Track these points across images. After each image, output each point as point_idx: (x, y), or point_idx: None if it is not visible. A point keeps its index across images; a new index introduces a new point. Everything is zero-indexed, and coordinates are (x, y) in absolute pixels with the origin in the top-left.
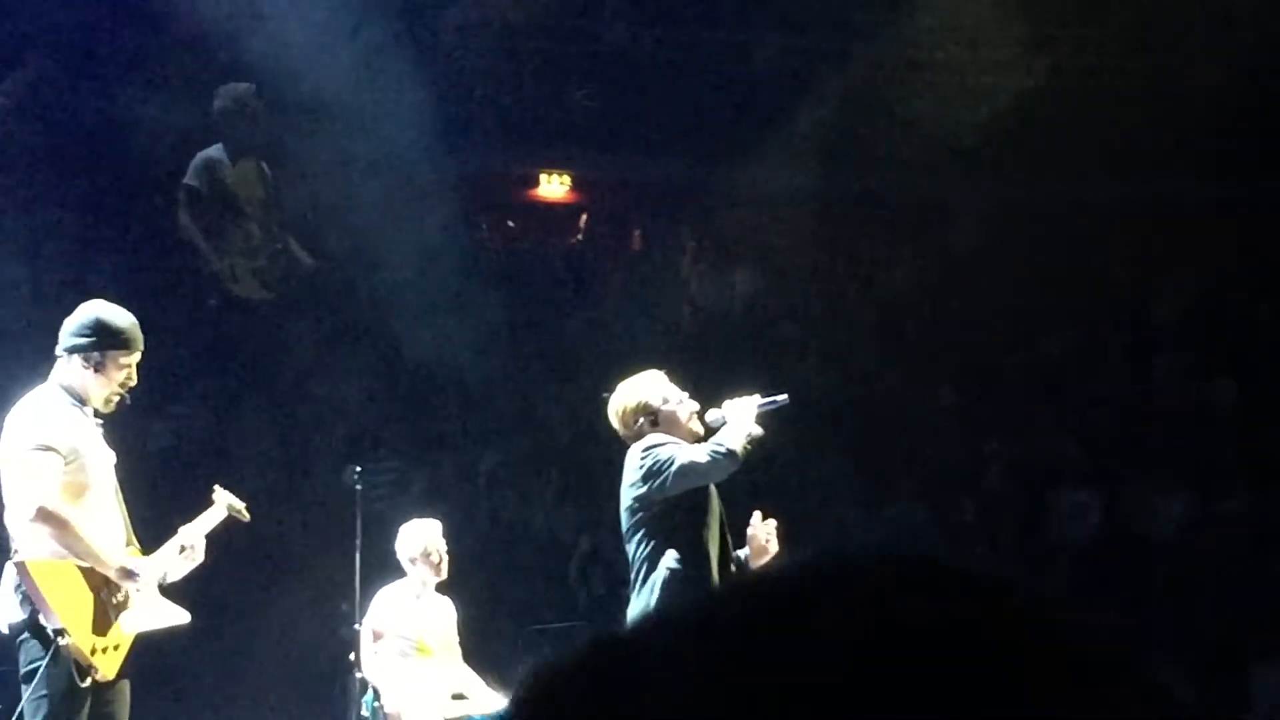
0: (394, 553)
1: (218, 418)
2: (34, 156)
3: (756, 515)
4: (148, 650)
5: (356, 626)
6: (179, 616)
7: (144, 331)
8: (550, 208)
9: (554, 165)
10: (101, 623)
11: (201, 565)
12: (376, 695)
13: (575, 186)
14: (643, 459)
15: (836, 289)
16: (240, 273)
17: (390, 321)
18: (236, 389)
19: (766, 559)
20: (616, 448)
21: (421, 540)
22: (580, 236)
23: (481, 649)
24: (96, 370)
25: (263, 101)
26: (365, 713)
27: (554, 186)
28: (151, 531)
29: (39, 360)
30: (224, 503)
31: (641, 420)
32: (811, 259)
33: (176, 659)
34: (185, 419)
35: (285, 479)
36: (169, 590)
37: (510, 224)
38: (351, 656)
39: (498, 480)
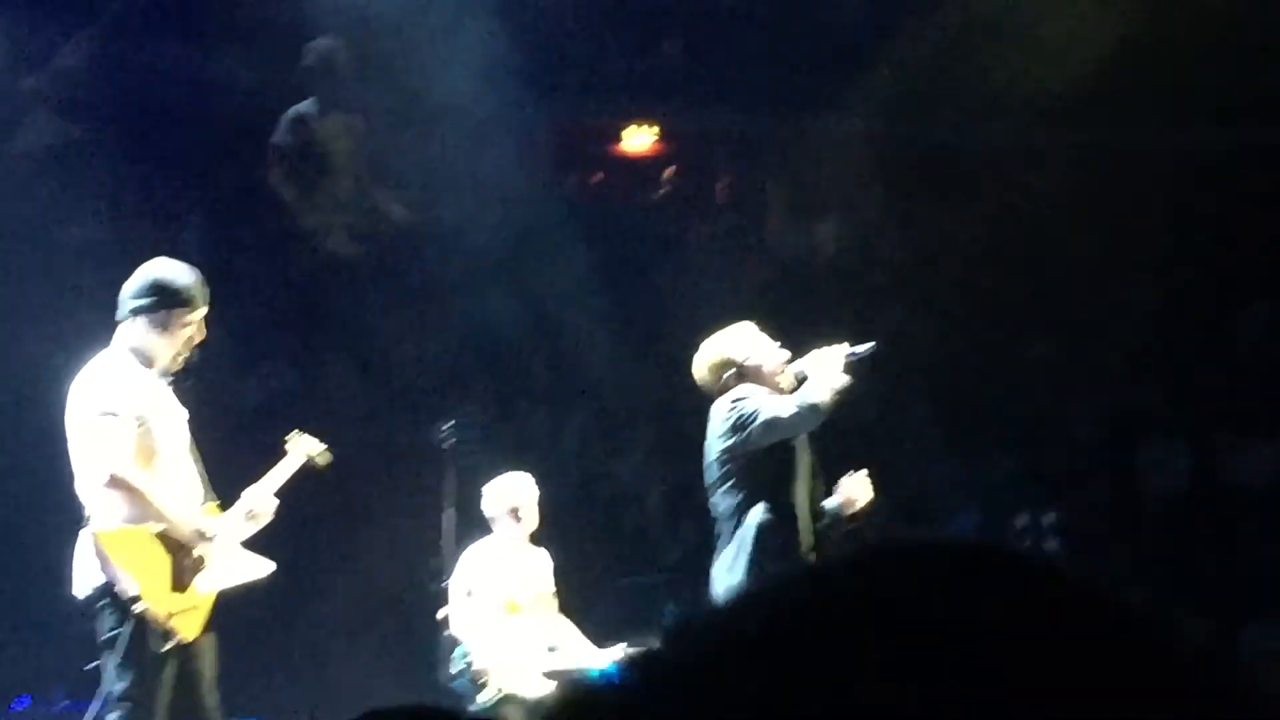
0: (482, 509)
1: (307, 374)
2: (122, 114)
3: (848, 478)
4: (239, 605)
5: (446, 583)
6: (262, 568)
7: (235, 290)
8: (636, 160)
9: (639, 118)
10: (179, 585)
11: (291, 523)
12: (467, 652)
13: (661, 139)
14: (729, 412)
15: (922, 239)
16: (331, 229)
17: (477, 276)
18: (326, 345)
19: (858, 508)
20: (704, 400)
21: (511, 495)
22: (666, 189)
23: (574, 602)
24: (162, 330)
25: (351, 57)
26: (455, 670)
27: (639, 139)
28: (241, 489)
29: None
30: (300, 450)
31: (728, 373)
32: (898, 209)
33: (267, 616)
34: (275, 376)
35: (374, 435)
36: (255, 542)
37: (596, 177)
38: (441, 614)
39: (586, 434)
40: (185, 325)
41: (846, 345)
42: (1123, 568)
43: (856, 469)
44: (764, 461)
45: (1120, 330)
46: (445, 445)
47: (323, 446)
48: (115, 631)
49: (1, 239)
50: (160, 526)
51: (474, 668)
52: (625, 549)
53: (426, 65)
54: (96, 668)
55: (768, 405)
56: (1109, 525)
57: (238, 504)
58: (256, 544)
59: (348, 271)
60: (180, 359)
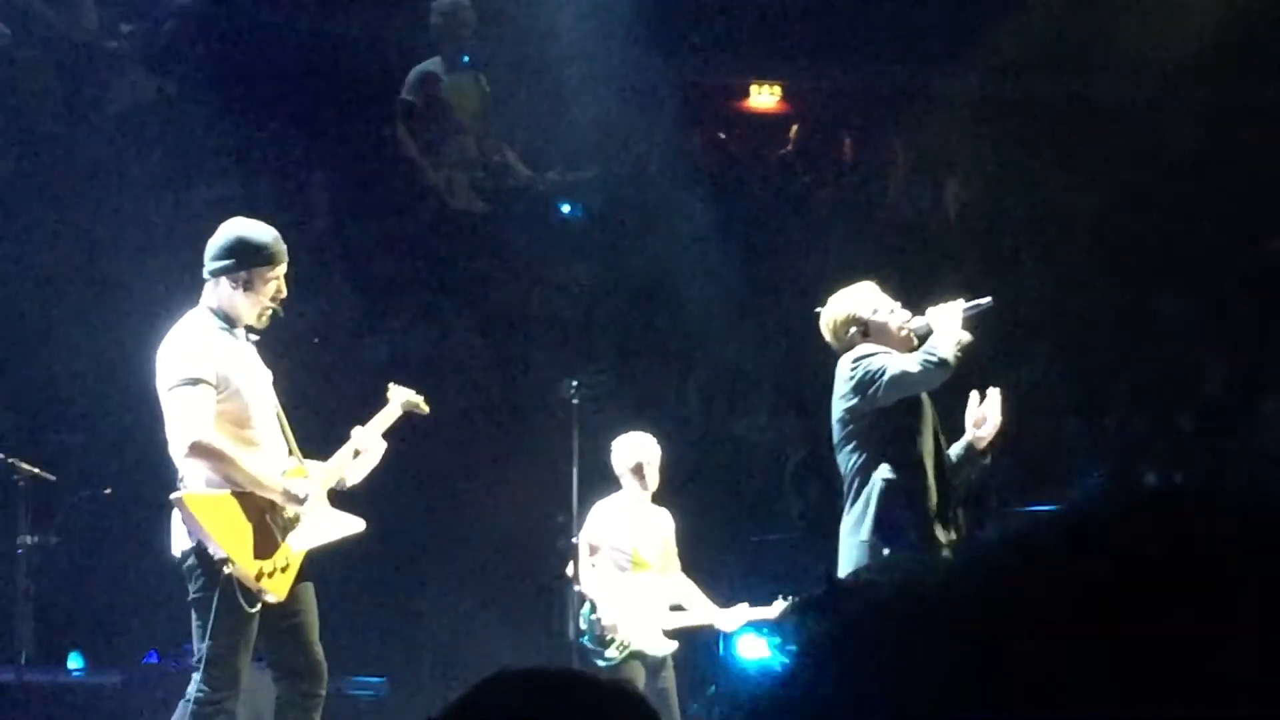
0: (609, 465)
1: (434, 332)
2: (251, 72)
3: (974, 395)
4: (367, 562)
5: (574, 540)
6: (353, 526)
7: (362, 248)
8: (761, 118)
9: (765, 76)
10: (267, 546)
11: (418, 481)
12: (593, 608)
13: (786, 97)
14: (853, 370)
15: (1049, 196)
16: (456, 186)
17: (603, 233)
18: (452, 303)
19: (988, 433)
20: (828, 358)
21: (635, 453)
22: (791, 147)
23: (696, 561)
24: (245, 289)
25: (477, 15)
26: (583, 625)
27: (764, 97)
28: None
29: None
30: (399, 400)
31: (852, 331)
32: (1023, 166)
33: (394, 574)
34: (400, 333)
35: (500, 392)
36: (384, 498)
37: (721, 135)
38: (568, 570)
39: (712, 392)
40: (268, 282)
41: (963, 301)
42: None
43: (984, 398)
44: (889, 419)
45: (1250, 285)
46: (572, 401)
47: (419, 399)
48: (203, 592)
49: (133, 199)
50: (248, 490)
51: (601, 623)
52: (747, 508)
53: (553, 24)
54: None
55: (894, 362)
56: (1237, 484)
57: (342, 449)
58: (386, 501)
59: (474, 229)
60: (265, 317)
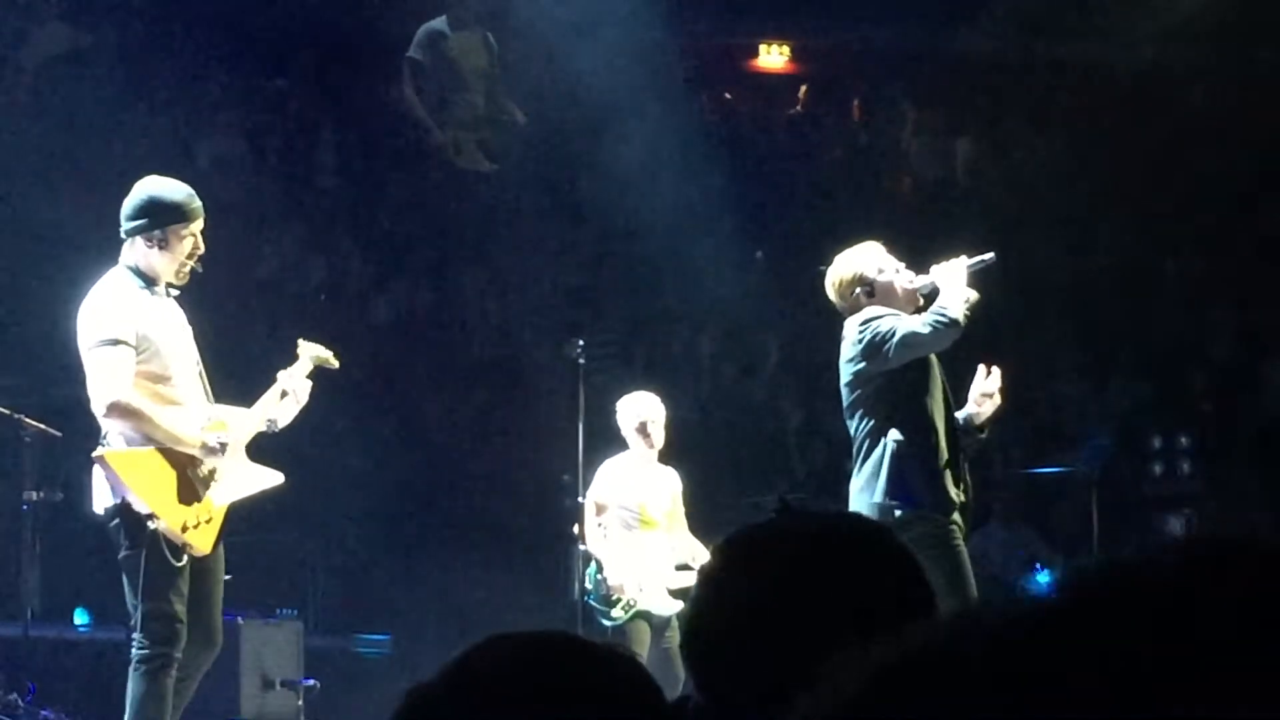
0: (615, 425)
1: (439, 291)
2: (253, 31)
3: (981, 369)
4: (373, 521)
5: (580, 499)
6: (272, 479)
7: (369, 206)
8: (770, 78)
9: (773, 35)
10: (190, 499)
11: (424, 438)
12: (600, 568)
13: (794, 57)
14: (860, 332)
15: (1058, 158)
16: (463, 145)
17: (610, 193)
18: (459, 262)
19: (989, 411)
20: (835, 320)
21: (639, 411)
22: (800, 107)
23: (702, 521)
24: (160, 248)
25: None
26: (588, 585)
27: (773, 57)
28: (370, 404)
29: (259, 233)
30: (307, 355)
31: (858, 291)
32: (1034, 128)
33: (401, 531)
34: (406, 293)
35: (506, 352)
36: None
37: (730, 95)
38: (575, 529)
39: (718, 352)
40: (183, 240)
41: (966, 257)
42: (1255, 491)
43: (990, 372)
44: (898, 382)
45: (1261, 247)
46: (578, 361)
47: (329, 354)
48: (131, 550)
49: (140, 157)
50: (167, 445)
51: (608, 583)
52: (753, 468)
53: None
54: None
55: (903, 324)
56: (1244, 447)
57: (267, 393)
58: (392, 459)
59: (480, 188)
60: (184, 273)
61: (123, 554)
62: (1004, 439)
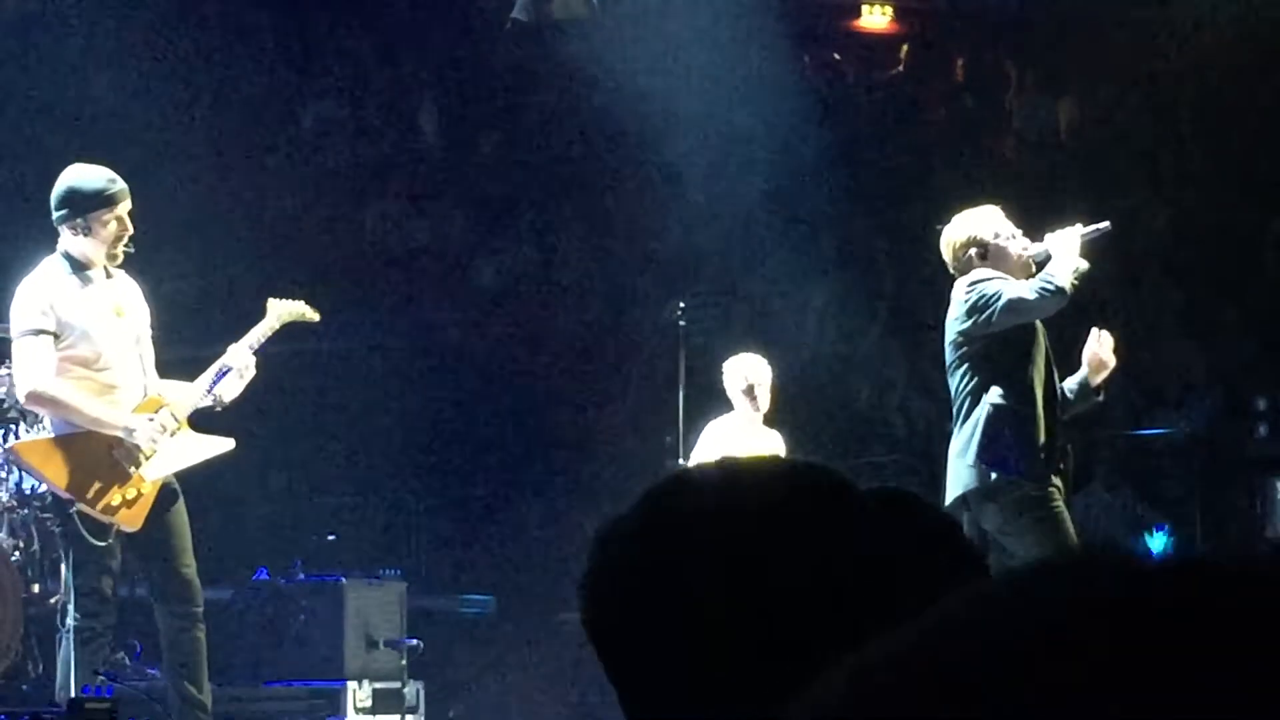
0: (716, 387)
1: (542, 252)
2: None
3: (1094, 332)
4: (473, 482)
5: (682, 460)
6: (220, 446)
7: (471, 169)
8: (872, 38)
9: None
10: (114, 479)
11: (528, 400)
12: None
13: (897, 17)
14: (968, 293)
15: (1165, 117)
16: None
17: (713, 154)
18: (562, 224)
19: (1103, 375)
20: (941, 281)
21: (746, 373)
22: (902, 68)
23: None
24: (85, 234)
25: None
26: None
27: (876, 17)
28: (472, 367)
29: (358, 196)
30: (276, 312)
31: (971, 253)
32: (1137, 88)
33: (504, 492)
34: (509, 254)
35: (609, 313)
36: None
37: (833, 55)
38: None
39: (822, 313)
40: (106, 224)
41: (1080, 226)
42: None
43: (1101, 334)
44: (1001, 345)
45: None
46: (679, 323)
47: (304, 308)
48: (59, 528)
49: (245, 121)
50: (91, 429)
51: None
52: (858, 429)
53: None
54: (332, 540)
55: (1010, 288)
56: None
57: (209, 369)
58: (495, 420)
59: (584, 150)
60: (117, 254)
61: (56, 531)
62: (1107, 401)
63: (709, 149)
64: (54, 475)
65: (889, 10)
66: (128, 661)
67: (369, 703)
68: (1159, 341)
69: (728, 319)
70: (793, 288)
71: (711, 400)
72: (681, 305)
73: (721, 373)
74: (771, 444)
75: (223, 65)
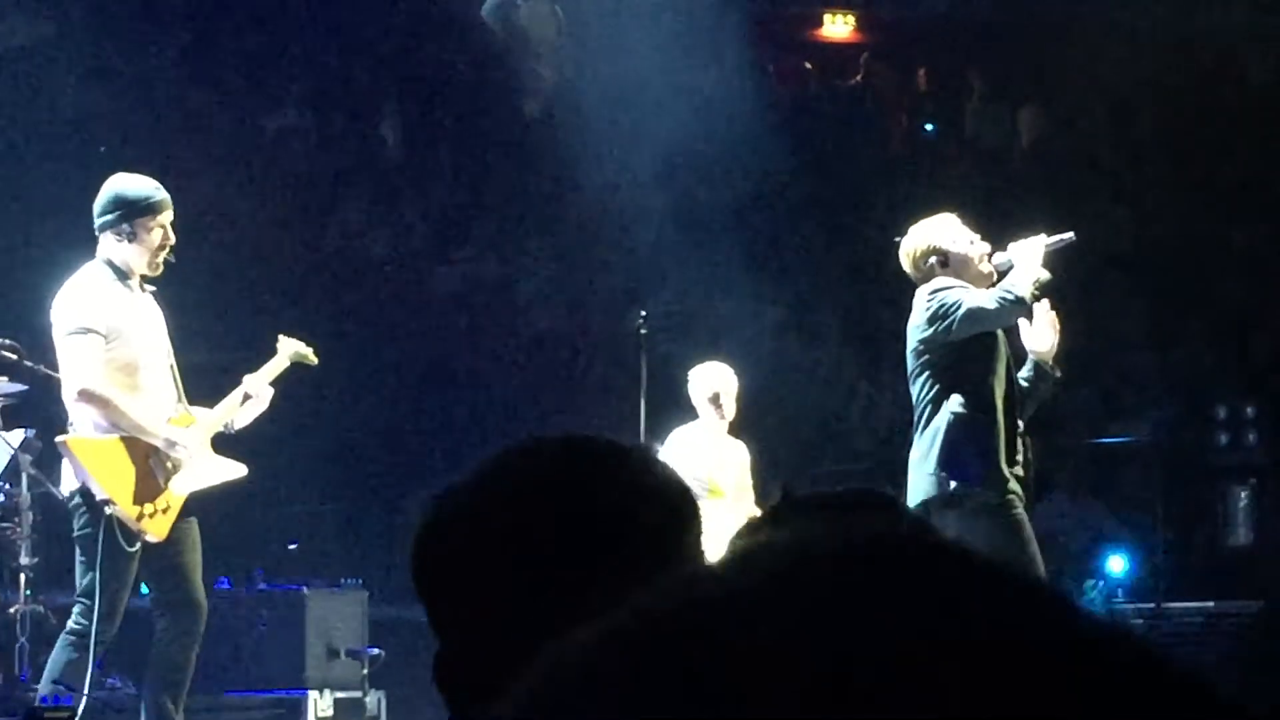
0: (678, 395)
1: (505, 261)
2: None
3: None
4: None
5: None
6: (235, 471)
7: (433, 177)
8: (834, 48)
9: (838, 5)
10: (149, 489)
11: (489, 409)
12: None
13: (859, 26)
14: (929, 301)
15: (1125, 128)
16: (530, 114)
17: (674, 163)
18: (524, 232)
19: (1050, 346)
20: (901, 289)
21: (712, 382)
22: (864, 77)
23: (766, 494)
24: (130, 241)
25: None
26: None
27: (838, 26)
28: (433, 374)
29: (321, 205)
30: (286, 351)
31: (931, 261)
32: (1099, 97)
33: None
34: (471, 263)
35: (570, 322)
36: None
37: (794, 64)
38: None
39: (782, 322)
40: (151, 232)
41: (1044, 236)
42: None
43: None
44: (962, 353)
45: None
46: (641, 331)
47: (309, 351)
48: (85, 531)
49: (202, 131)
50: (131, 434)
51: None
52: (819, 439)
53: None
54: (293, 548)
55: (971, 297)
56: None
57: (232, 393)
58: (455, 429)
59: (547, 158)
60: (158, 264)
61: (77, 532)
62: (1068, 408)
63: (670, 158)
64: (99, 475)
65: (851, 20)
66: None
67: (330, 712)
68: (1121, 350)
69: (689, 328)
70: (754, 296)
71: (674, 409)
72: (643, 314)
73: (684, 382)
74: (737, 453)
75: (185, 75)
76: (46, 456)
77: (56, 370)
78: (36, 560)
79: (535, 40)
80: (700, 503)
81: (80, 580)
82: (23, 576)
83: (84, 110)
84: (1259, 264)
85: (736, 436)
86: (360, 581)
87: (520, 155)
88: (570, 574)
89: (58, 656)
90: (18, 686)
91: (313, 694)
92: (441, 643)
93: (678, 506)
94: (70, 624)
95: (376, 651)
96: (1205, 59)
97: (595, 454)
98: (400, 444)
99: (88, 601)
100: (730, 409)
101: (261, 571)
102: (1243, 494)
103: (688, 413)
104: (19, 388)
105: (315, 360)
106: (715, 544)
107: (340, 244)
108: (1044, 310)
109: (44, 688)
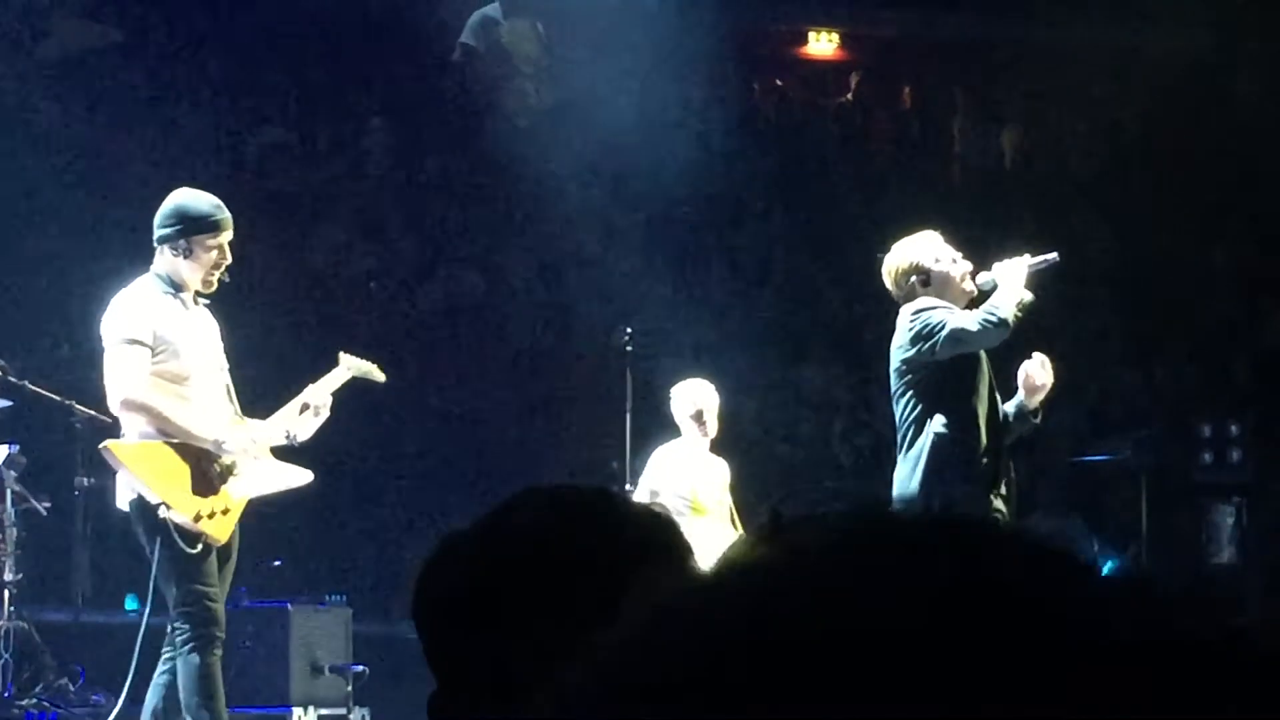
0: (663, 412)
1: (489, 276)
2: (304, 19)
3: (1036, 355)
4: (422, 509)
5: (628, 486)
6: (300, 478)
7: (418, 192)
8: (819, 66)
9: (823, 23)
10: (204, 491)
11: (475, 425)
12: None
13: (844, 44)
14: (912, 321)
15: (1108, 147)
16: (514, 132)
17: (659, 180)
18: (508, 247)
19: (1039, 397)
20: (886, 307)
21: (695, 399)
22: (849, 95)
23: (748, 509)
24: (186, 257)
25: None
26: None
27: (823, 44)
28: (418, 391)
29: (306, 221)
30: (347, 366)
31: (913, 279)
32: (1083, 117)
33: (449, 517)
34: (455, 279)
35: (555, 338)
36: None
37: (779, 82)
38: None
39: (766, 340)
40: (208, 250)
41: (1028, 257)
42: None
43: (1031, 356)
44: (945, 373)
45: None
46: (626, 348)
47: (372, 367)
48: (149, 541)
49: (188, 146)
50: (180, 439)
51: None
52: (803, 456)
53: None
54: (277, 565)
55: (954, 319)
56: None
57: (291, 403)
58: (440, 445)
59: (531, 174)
60: (211, 282)
61: (147, 547)
62: (1052, 427)
63: (656, 175)
64: (147, 477)
65: (836, 38)
66: (71, 687)
67: None
68: (1104, 369)
69: (674, 345)
70: (737, 314)
71: (657, 426)
72: (629, 331)
73: (668, 399)
74: (719, 471)
75: (171, 92)
76: (30, 471)
77: (45, 389)
78: (20, 576)
79: (518, 59)
80: (683, 520)
81: (169, 594)
82: (6, 593)
83: (59, 124)
84: (1242, 283)
85: (718, 454)
86: (345, 598)
87: (505, 173)
88: (562, 619)
89: (185, 674)
90: (2, 703)
91: (297, 710)
92: (438, 680)
93: (667, 545)
94: (177, 640)
95: (361, 668)
96: (1188, 79)
97: (584, 505)
98: (386, 460)
99: (181, 608)
100: (713, 426)
101: (245, 589)
102: (1227, 512)
103: (672, 430)
104: (3, 404)
105: (382, 377)
106: (700, 561)
107: (325, 260)
108: (1045, 362)
109: (187, 710)
